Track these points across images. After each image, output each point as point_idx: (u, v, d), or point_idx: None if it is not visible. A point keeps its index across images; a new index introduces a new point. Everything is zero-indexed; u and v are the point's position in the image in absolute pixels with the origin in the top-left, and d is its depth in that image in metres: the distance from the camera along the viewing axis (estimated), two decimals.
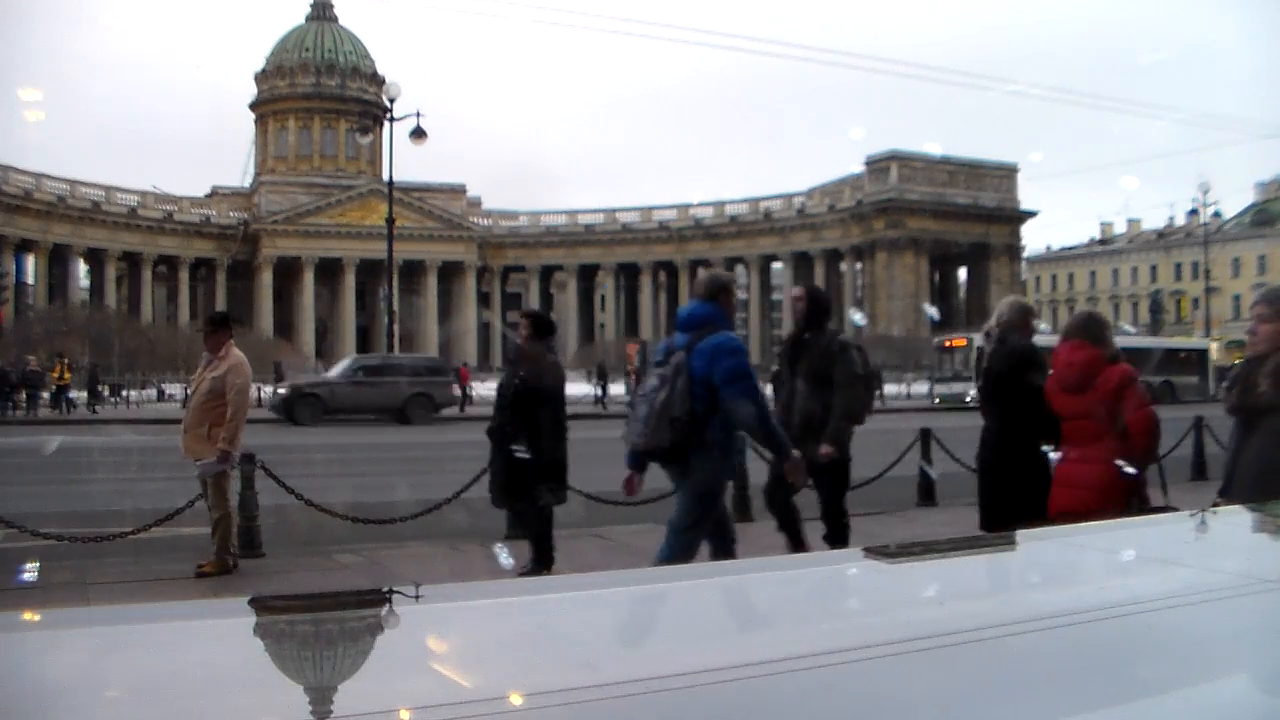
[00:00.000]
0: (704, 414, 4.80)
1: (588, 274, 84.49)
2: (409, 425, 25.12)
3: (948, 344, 44.74)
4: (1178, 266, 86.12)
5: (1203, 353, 45.78)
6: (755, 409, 4.88)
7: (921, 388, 45.58)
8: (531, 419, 6.68)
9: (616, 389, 40.37)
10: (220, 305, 66.89)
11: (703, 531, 5.11)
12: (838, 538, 6.20)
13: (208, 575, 6.82)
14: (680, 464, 5.00)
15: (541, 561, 6.72)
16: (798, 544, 6.08)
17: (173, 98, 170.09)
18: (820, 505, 6.35)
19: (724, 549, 5.16)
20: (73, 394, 34.10)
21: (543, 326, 7.12)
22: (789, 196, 79.33)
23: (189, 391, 7.38)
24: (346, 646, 1.43)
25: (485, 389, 40.91)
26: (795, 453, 5.09)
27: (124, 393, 40.74)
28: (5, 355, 36.48)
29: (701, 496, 5.07)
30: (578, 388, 45.42)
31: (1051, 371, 5.17)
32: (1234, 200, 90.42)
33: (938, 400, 42.32)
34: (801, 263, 78.18)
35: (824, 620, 1.54)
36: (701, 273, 6.18)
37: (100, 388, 36.19)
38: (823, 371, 6.06)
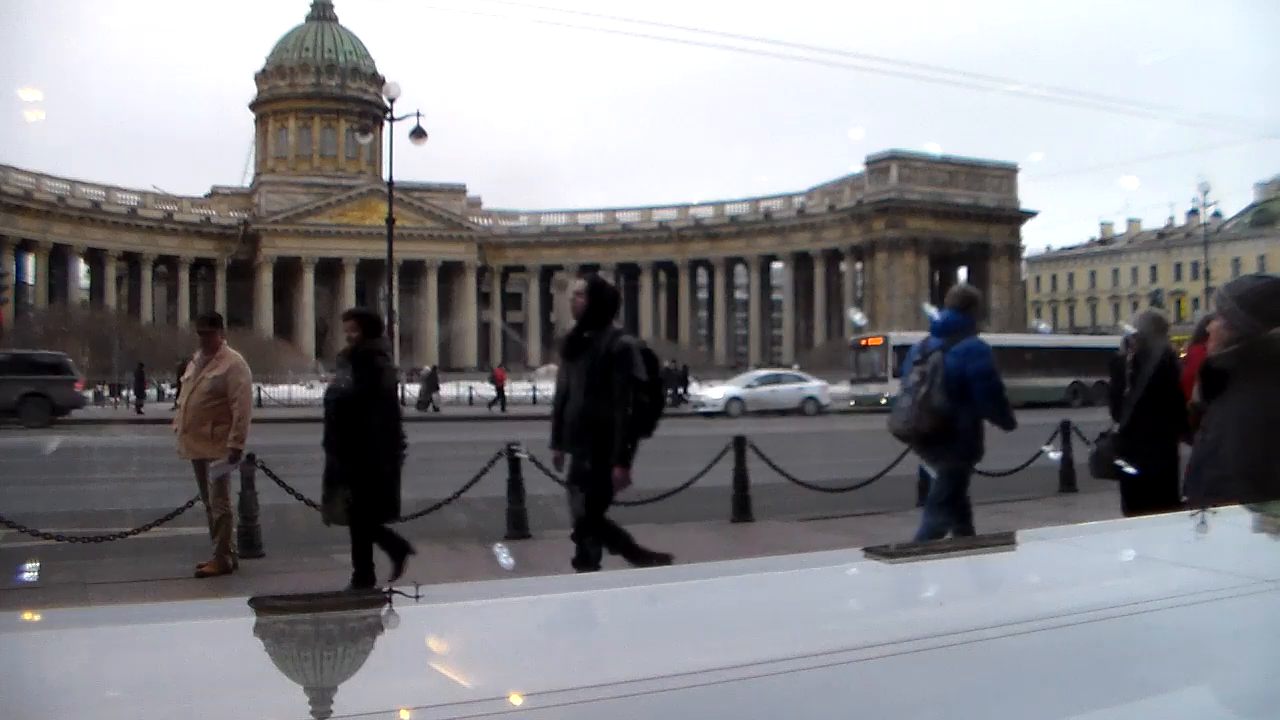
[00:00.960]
0: (956, 406, 5.71)
1: (588, 274, 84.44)
2: (29, 429, 22.12)
3: (864, 342, 41.56)
4: (1178, 266, 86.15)
5: None
6: (997, 402, 5.82)
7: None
8: (360, 427, 6.16)
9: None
10: (220, 305, 66.97)
11: (955, 506, 6.02)
12: (585, 560, 5.70)
13: (208, 575, 6.83)
14: (935, 448, 5.96)
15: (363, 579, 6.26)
16: (637, 556, 5.71)
17: (173, 98, 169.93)
18: (573, 520, 5.83)
19: (965, 528, 6.00)
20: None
21: (372, 326, 6.57)
22: (789, 196, 79.37)
23: (184, 391, 7.34)
24: (346, 646, 1.43)
25: (487, 390, 40.97)
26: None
27: (124, 393, 40.83)
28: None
29: (953, 474, 6.03)
30: None
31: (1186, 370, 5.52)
32: (1234, 200, 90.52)
33: (853, 403, 39.13)
34: (801, 263, 78.20)
35: (824, 620, 1.54)
36: (954, 287, 6.66)
37: (147, 387, 35.73)
38: (601, 375, 5.52)
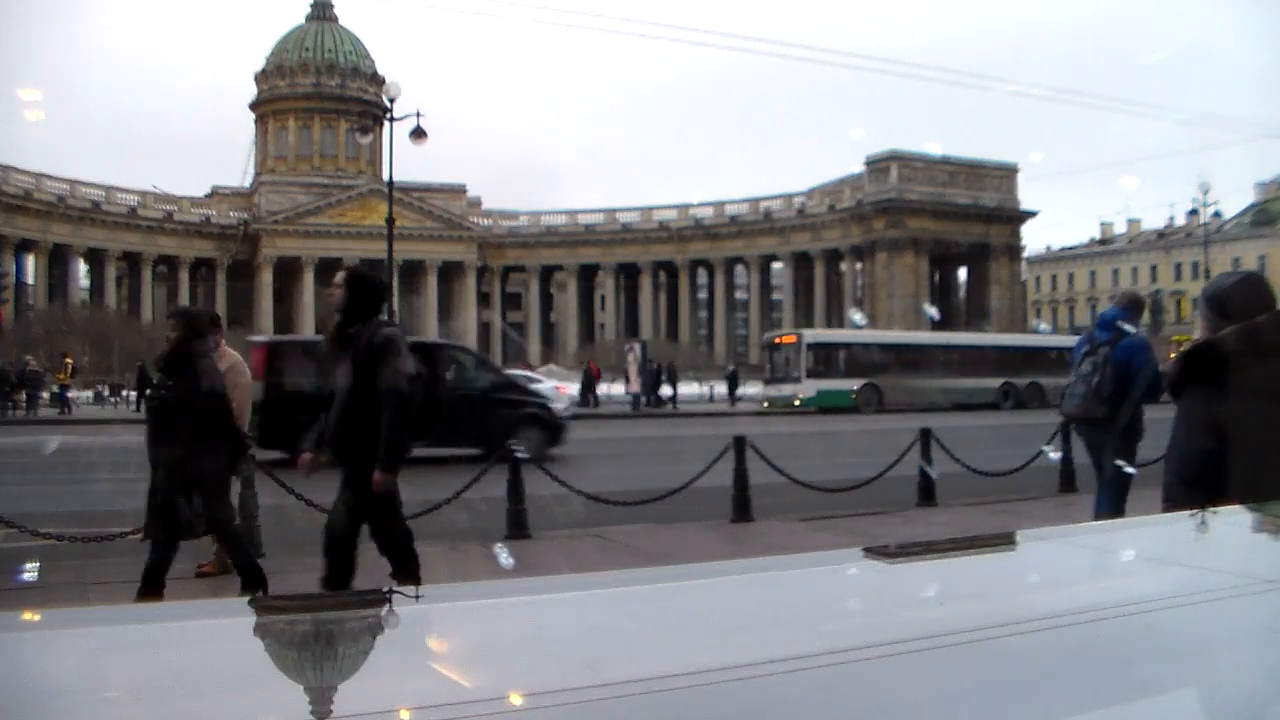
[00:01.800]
0: (1121, 393, 6.72)
1: (588, 274, 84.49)
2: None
3: (778, 340, 39.04)
4: (1178, 266, 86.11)
5: None
6: (1155, 391, 6.61)
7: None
8: (181, 436, 5.71)
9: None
10: (220, 305, 66.95)
11: (1120, 484, 6.94)
12: (405, 571, 5.27)
13: (208, 575, 6.83)
14: (1101, 429, 6.99)
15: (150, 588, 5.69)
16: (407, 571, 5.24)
17: (173, 98, 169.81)
18: (375, 539, 5.37)
19: (1115, 506, 6.91)
20: (71, 393, 34.14)
21: (195, 326, 6.02)
22: (789, 196, 79.29)
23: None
24: (346, 646, 1.43)
25: None
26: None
27: (124, 392, 40.84)
28: (5, 355, 36.55)
29: (1129, 451, 6.90)
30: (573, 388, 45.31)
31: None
32: (1234, 200, 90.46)
33: (765, 404, 36.73)
34: (801, 263, 78.15)
35: (824, 620, 1.54)
36: (1124, 289, 8.00)
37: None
38: (364, 373, 5.08)
